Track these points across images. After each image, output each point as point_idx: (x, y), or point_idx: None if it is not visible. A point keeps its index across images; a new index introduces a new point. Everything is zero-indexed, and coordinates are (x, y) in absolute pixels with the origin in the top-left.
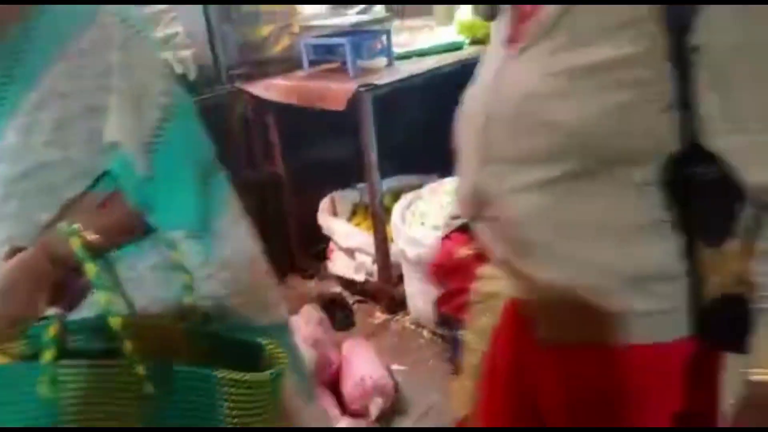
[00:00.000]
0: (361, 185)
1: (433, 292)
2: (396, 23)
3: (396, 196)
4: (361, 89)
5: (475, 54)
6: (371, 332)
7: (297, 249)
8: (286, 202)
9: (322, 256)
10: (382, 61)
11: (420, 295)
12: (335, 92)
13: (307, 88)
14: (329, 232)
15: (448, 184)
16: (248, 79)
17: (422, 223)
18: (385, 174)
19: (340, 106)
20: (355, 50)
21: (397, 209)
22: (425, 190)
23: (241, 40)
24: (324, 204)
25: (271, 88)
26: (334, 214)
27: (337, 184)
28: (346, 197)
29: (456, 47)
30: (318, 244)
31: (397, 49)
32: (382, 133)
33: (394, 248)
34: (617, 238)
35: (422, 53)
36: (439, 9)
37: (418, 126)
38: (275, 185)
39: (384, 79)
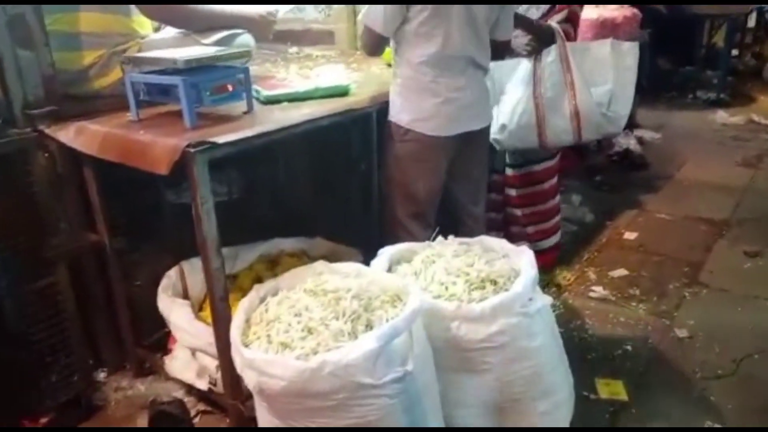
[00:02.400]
0: (225, 250)
1: None
2: (292, 50)
3: (272, 265)
4: (191, 149)
5: (364, 102)
6: None
7: (129, 337)
8: (113, 278)
9: (165, 345)
10: (239, 106)
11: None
12: (160, 150)
13: (127, 139)
14: (167, 320)
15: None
16: (57, 121)
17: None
18: (260, 235)
19: (162, 169)
20: (193, 93)
21: (242, 307)
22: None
23: (48, 69)
24: (169, 278)
25: (82, 135)
26: (184, 290)
27: (190, 250)
28: (198, 267)
29: (341, 92)
30: (161, 329)
31: (268, 90)
32: (258, 183)
33: None
34: None
35: (296, 98)
36: (340, 35)
37: (303, 179)
38: (97, 256)
39: (230, 134)
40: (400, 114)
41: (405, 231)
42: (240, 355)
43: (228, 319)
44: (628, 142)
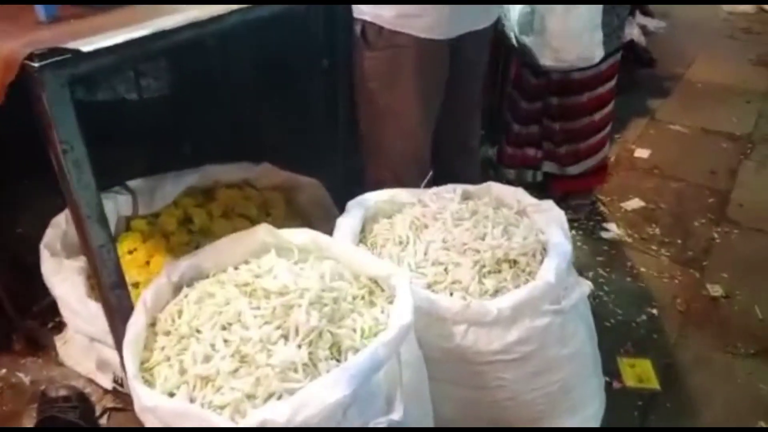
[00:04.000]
0: (139, 181)
1: None
2: None
3: (206, 199)
4: (36, 63)
5: None
6: None
7: (9, 304)
8: None
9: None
10: None
11: None
12: None
13: None
14: (52, 292)
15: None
16: None
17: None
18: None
19: None
20: None
21: (144, 305)
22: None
23: None
24: (55, 227)
25: None
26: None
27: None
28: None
29: None
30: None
31: None
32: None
33: None
34: None
35: None
36: None
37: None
38: None
39: (109, 32)
40: (377, 9)
41: (395, 181)
42: (136, 395)
43: (128, 311)
44: (632, 32)
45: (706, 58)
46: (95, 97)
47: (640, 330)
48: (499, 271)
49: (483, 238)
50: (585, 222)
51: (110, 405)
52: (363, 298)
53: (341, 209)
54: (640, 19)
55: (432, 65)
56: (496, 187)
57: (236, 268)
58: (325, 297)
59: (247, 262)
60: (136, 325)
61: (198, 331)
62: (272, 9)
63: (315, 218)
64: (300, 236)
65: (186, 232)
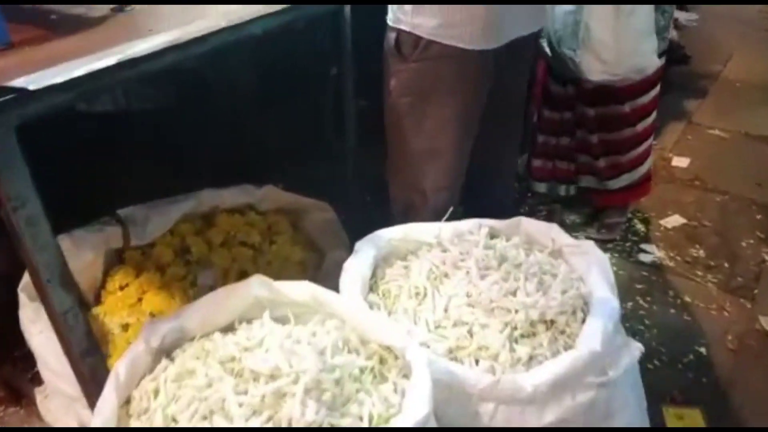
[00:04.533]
0: (130, 209)
1: None
2: None
3: (205, 225)
4: None
5: None
6: None
7: None
8: None
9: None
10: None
11: None
12: None
13: None
14: (28, 343)
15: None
16: None
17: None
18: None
19: None
20: None
21: (115, 380)
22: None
23: None
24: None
25: None
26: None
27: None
28: (88, 241)
29: None
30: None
31: None
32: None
33: None
34: None
35: None
36: None
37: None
38: None
39: (68, 64)
40: (414, 17)
41: (423, 205)
42: None
43: (104, 378)
44: None
45: (743, 53)
46: (74, 112)
47: (687, 373)
48: (534, 335)
49: (514, 294)
50: (621, 243)
51: None
52: (372, 370)
53: (350, 234)
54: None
55: (474, 78)
56: (526, 224)
57: (224, 334)
58: (324, 381)
59: (234, 328)
60: (105, 408)
61: (174, 420)
62: (266, 24)
63: (323, 244)
64: (299, 292)
65: (183, 264)
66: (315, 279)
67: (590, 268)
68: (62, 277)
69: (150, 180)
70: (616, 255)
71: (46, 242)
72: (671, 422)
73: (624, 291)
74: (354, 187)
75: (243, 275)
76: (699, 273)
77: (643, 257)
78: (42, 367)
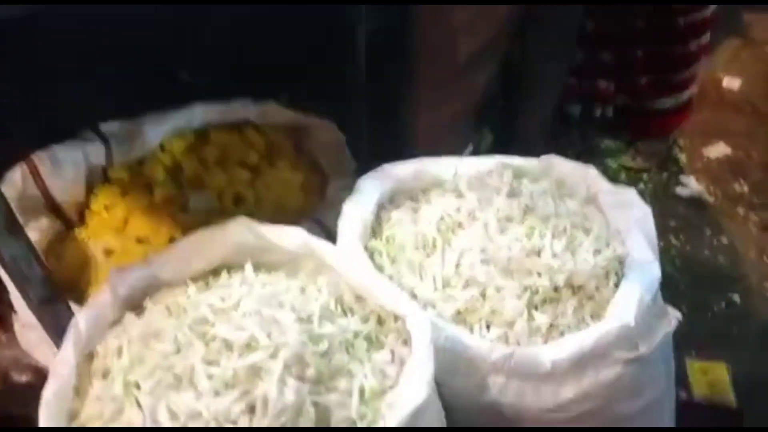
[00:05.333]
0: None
1: None
2: None
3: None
4: None
5: None
6: None
7: None
8: None
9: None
10: None
11: None
12: None
13: None
14: None
15: None
16: None
17: None
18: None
19: None
20: None
21: (75, 336)
22: None
23: None
24: (10, 185)
25: None
26: (45, 200)
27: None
28: (68, 157)
29: None
30: None
31: None
32: None
33: None
34: None
35: None
36: None
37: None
38: None
39: None
40: None
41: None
42: None
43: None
44: None
45: None
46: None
47: (717, 323)
48: (557, 301)
49: (538, 254)
50: (658, 173)
51: None
52: (367, 336)
53: (359, 161)
54: None
55: None
56: (558, 164)
57: (200, 288)
58: (308, 355)
59: (211, 280)
60: (62, 368)
61: (137, 387)
62: None
63: (327, 168)
64: (290, 239)
65: (174, 185)
66: (317, 206)
67: (630, 223)
68: (7, 222)
69: (135, 91)
70: (651, 186)
71: None
72: (694, 376)
73: (657, 227)
74: (363, 110)
75: (239, 199)
76: (740, 211)
77: (681, 190)
78: (14, 300)
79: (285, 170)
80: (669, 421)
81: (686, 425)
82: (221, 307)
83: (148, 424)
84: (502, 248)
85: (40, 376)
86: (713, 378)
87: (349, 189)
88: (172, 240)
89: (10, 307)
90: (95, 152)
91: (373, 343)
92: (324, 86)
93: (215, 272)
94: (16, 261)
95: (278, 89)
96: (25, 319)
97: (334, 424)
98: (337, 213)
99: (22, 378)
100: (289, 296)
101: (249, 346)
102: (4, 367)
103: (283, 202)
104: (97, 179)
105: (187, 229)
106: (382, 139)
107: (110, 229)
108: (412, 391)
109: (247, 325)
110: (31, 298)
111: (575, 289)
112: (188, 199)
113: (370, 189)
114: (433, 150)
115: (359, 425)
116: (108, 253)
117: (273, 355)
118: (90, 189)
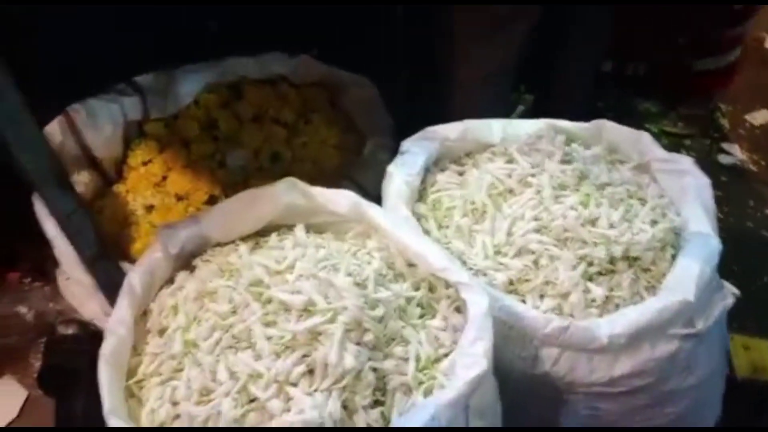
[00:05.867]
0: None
1: None
2: None
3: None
4: None
5: None
6: None
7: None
8: None
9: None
10: None
11: None
12: None
13: None
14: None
15: None
16: None
17: None
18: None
19: None
20: None
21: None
22: None
23: None
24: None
25: None
26: (84, 154)
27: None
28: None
29: None
30: None
31: None
32: None
33: None
34: None
35: None
36: None
37: None
38: None
39: None
40: None
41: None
42: None
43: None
44: None
45: None
46: None
47: (762, 297)
48: (613, 272)
49: (594, 224)
50: (699, 140)
51: None
52: (420, 302)
53: (396, 119)
54: None
55: None
56: (610, 129)
57: (251, 248)
58: (366, 319)
59: (261, 241)
60: (119, 326)
61: (195, 346)
62: None
63: (363, 126)
64: (338, 201)
65: (210, 140)
66: (353, 165)
67: (686, 192)
68: (57, 179)
69: (167, 43)
70: (693, 154)
71: (31, 141)
72: (736, 351)
73: None
74: (400, 66)
75: (276, 157)
76: None
77: (723, 158)
78: (60, 255)
79: (321, 128)
80: (717, 399)
81: (727, 401)
82: (276, 269)
83: (209, 383)
84: (556, 216)
85: (86, 329)
86: (755, 354)
87: (385, 148)
88: (211, 197)
89: (54, 262)
90: (131, 106)
91: (426, 309)
92: (360, 41)
93: (263, 232)
94: (71, 216)
95: (312, 43)
96: (70, 274)
97: (390, 390)
98: (373, 172)
99: (68, 331)
100: (343, 260)
101: (307, 310)
102: (50, 321)
103: (319, 161)
104: (133, 134)
105: (225, 186)
106: (420, 97)
107: (150, 185)
108: (471, 360)
109: (303, 288)
110: (84, 254)
111: (631, 260)
112: (225, 156)
113: (415, 151)
114: (473, 110)
115: (415, 392)
116: (148, 209)
117: (332, 320)
118: (127, 144)
